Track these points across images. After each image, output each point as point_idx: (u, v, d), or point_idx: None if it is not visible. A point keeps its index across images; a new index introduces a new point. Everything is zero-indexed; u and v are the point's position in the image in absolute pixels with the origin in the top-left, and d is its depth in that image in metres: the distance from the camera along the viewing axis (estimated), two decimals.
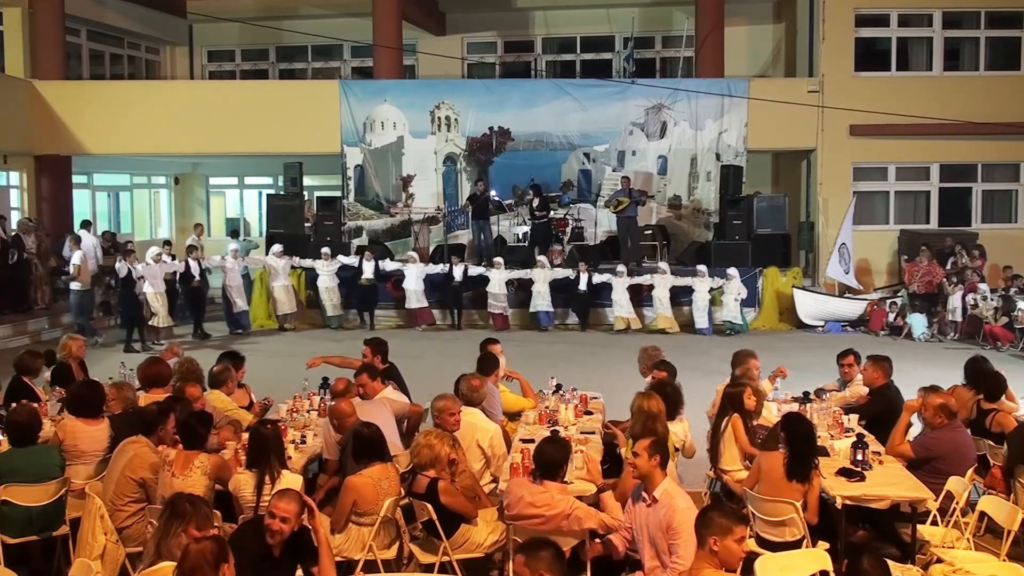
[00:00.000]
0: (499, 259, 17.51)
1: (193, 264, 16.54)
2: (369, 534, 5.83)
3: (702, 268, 17.16)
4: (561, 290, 17.31)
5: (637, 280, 17.17)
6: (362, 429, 6.14)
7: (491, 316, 17.35)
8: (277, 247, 17.47)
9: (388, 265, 17.60)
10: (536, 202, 18.15)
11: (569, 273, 17.23)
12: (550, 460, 5.61)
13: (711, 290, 17.04)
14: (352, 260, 17.57)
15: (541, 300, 17.15)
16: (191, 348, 13.44)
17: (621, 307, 17.04)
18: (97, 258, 17.28)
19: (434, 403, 6.67)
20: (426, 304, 17.34)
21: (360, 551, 5.82)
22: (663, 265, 17.28)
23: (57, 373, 9.00)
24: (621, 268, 17.19)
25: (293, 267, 17.57)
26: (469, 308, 17.67)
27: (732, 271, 17.06)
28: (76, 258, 15.66)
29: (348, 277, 17.58)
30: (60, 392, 8.28)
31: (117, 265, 15.44)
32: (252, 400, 8.26)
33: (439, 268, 17.47)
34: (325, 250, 17.48)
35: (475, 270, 17.42)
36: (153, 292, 15.38)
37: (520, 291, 17.42)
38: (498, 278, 17.19)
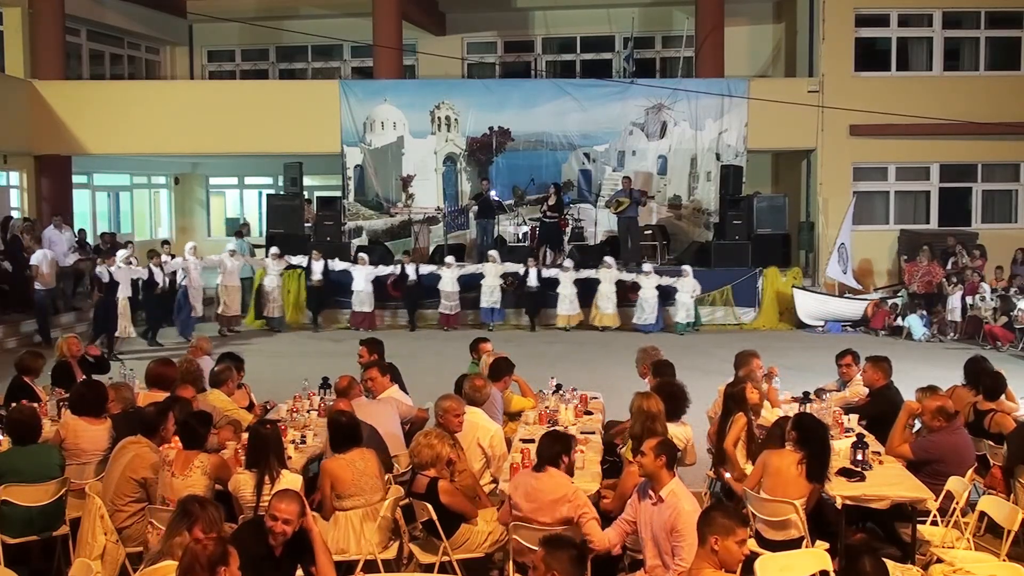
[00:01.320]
0: (450, 258, 17.45)
1: (156, 270, 15.80)
2: (359, 521, 5.84)
3: (648, 266, 17.19)
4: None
5: (584, 274, 17.14)
6: (339, 418, 6.20)
7: (442, 316, 17.21)
8: (231, 245, 17.12)
9: (337, 265, 17.46)
10: (553, 200, 18.15)
11: (519, 268, 17.28)
12: (550, 449, 5.67)
13: (659, 287, 17.03)
14: (301, 260, 17.42)
15: (490, 296, 17.16)
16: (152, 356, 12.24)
17: (566, 301, 17.02)
18: (47, 255, 16.07)
19: (439, 403, 6.65)
20: (372, 308, 17.22)
21: (354, 543, 5.83)
22: (609, 260, 17.26)
23: (58, 372, 9.00)
24: (568, 263, 17.20)
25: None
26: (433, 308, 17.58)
27: (686, 268, 17.13)
28: (34, 258, 15.56)
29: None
30: (60, 392, 8.28)
31: (97, 269, 14.91)
32: (252, 401, 8.26)
33: (389, 269, 17.37)
34: (274, 250, 17.33)
35: (426, 268, 17.37)
36: (123, 297, 14.78)
37: (471, 291, 17.35)
38: (450, 276, 17.15)
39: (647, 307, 17.04)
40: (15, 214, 18.89)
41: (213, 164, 24.18)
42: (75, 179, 20.68)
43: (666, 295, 17.18)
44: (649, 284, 17.01)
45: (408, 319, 17.51)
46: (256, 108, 19.89)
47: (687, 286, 17.00)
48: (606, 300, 17.09)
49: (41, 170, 19.72)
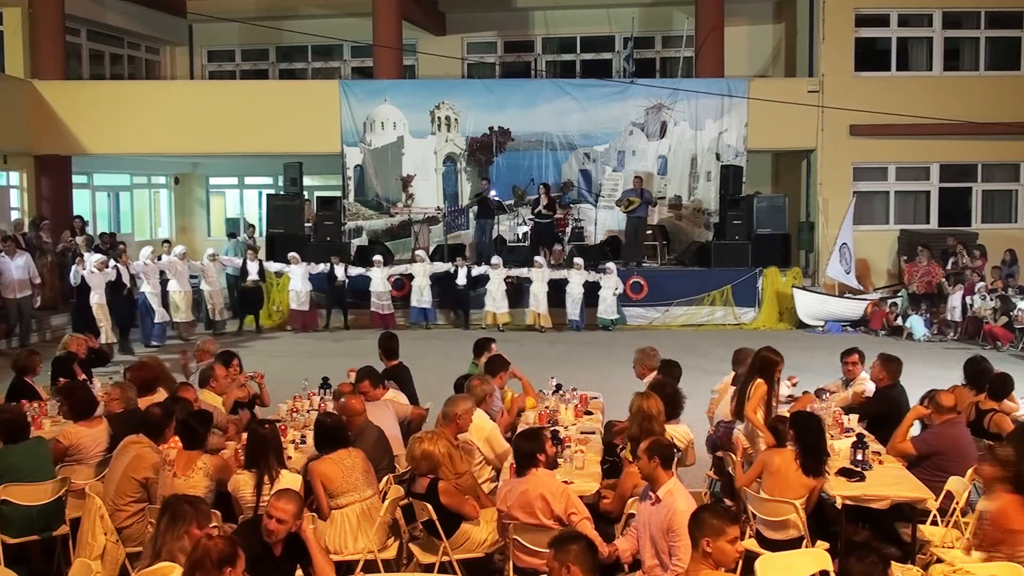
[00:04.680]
0: (378, 257, 17.45)
1: (124, 271, 14.89)
2: (355, 518, 5.86)
3: (579, 261, 17.19)
4: (441, 285, 17.35)
5: (515, 272, 17.16)
6: (324, 419, 6.23)
7: (373, 315, 17.20)
8: (179, 248, 16.62)
9: (272, 266, 17.50)
10: (545, 200, 18.15)
11: (449, 267, 17.34)
12: (521, 449, 5.68)
13: (586, 283, 17.04)
14: (239, 260, 17.33)
15: (420, 296, 17.18)
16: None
17: (495, 300, 17.03)
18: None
19: (458, 403, 6.63)
20: (308, 307, 17.20)
21: (351, 541, 5.85)
22: (539, 259, 17.26)
23: (58, 367, 9.01)
24: (496, 260, 17.21)
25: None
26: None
27: (610, 265, 17.15)
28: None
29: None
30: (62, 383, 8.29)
31: (74, 268, 14.34)
32: (251, 396, 8.30)
33: (321, 267, 17.31)
34: (210, 251, 17.23)
35: (355, 270, 17.33)
36: (96, 303, 14.12)
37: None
38: (379, 276, 17.15)
39: (572, 303, 17.08)
40: (15, 214, 18.89)
41: (213, 164, 24.18)
42: (75, 179, 20.66)
43: (591, 292, 17.17)
44: (576, 280, 17.02)
45: (329, 318, 17.45)
46: (256, 108, 19.89)
47: (610, 283, 17.01)
48: (536, 300, 17.08)
49: (41, 170, 19.71)
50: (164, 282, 16.01)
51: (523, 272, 17.17)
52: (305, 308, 17.17)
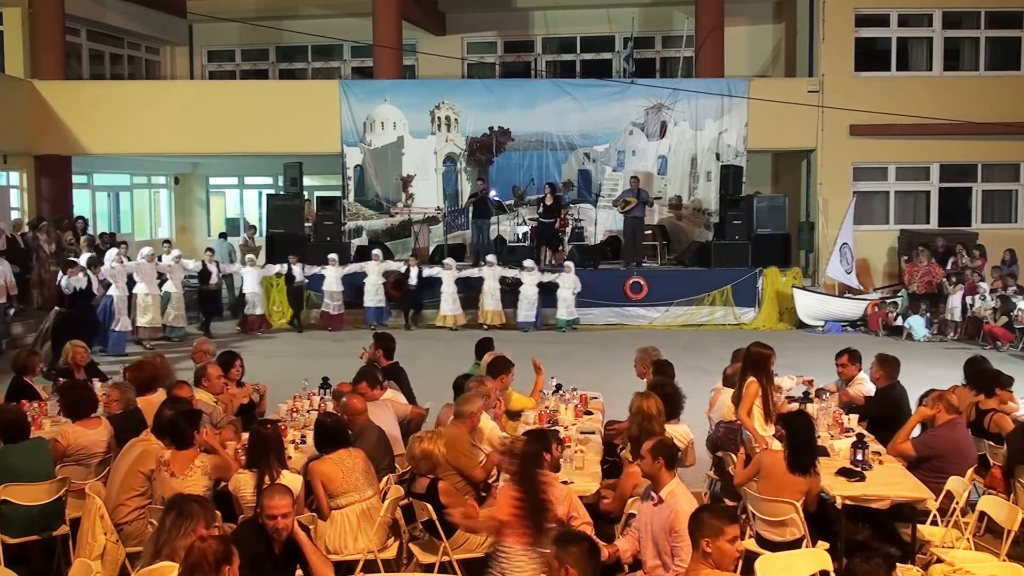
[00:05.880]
0: (334, 255, 17.44)
1: (93, 277, 14.36)
2: (355, 519, 5.86)
3: (528, 263, 17.20)
4: (392, 285, 17.35)
5: (466, 273, 17.22)
6: (324, 419, 6.24)
7: (322, 315, 17.25)
8: (146, 250, 16.15)
9: (228, 268, 17.54)
10: (550, 200, 18.17)
11: (400, 266, 17.39)
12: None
13: (540, 284, 17.04)
14: (196, 265, 17.12)
15: (372, 296, 17.17)
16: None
17: (447, 302, 17.09)
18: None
19: (471, 402, 6.62)
20: (263, 311, 17.17)
21: (351, 541, 5.85)
22: (491, 258, 17.30)
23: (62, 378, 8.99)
24: (449, 261, 17.28)
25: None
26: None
27: (568, 264, 17.18)
28: None
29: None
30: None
31: (64, 282, 13.91)
32: (252, 400, 8.29)
33: (277, 268, 17.32)
34: (176, 252, 17.03)
35: (311, 269, 17.32)
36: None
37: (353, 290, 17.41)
38: (333, 275, 17.15)
39: (526, 304, 17.09)
40: (15, 214, 18.89)
41: (213, 164, 24.19)
42: (75, 179, 20.67)
43: (548, 293, 17.17)
44: (530, 281, 17.04)
45: (295, 319, 17.51)
46: (256, 108, 19.90)
47: (568, 282, 17.01)
48: (490, 297, 17.12)
49: (41, 170, 19.72)
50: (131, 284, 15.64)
51: (474, 272, 17.24)
52: (258, 312, 17.07)
